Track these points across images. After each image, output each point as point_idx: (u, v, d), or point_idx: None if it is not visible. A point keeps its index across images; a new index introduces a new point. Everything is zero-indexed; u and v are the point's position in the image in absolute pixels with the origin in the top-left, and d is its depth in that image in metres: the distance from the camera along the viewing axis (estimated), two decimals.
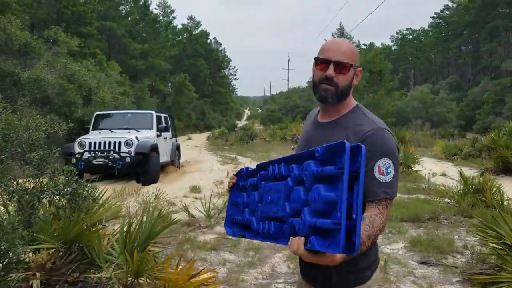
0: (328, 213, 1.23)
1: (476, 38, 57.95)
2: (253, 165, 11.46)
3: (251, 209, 1.72)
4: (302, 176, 1.40)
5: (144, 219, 4.26)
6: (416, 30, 73.72)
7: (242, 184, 1.85)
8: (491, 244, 4.28)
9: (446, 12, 65.33)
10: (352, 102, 1.77)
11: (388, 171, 1.59)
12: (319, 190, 1.28)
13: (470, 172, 12.15)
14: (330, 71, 1.67)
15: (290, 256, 5.05)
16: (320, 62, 1.70)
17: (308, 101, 67.73)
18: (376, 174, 1.58)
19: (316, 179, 1.33)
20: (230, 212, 1.90)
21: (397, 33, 76.57)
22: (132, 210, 6.77)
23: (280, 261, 4.98)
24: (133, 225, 4.07)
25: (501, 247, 4.06)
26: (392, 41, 76.52)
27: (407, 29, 75.59)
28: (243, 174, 1.87)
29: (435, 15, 67.84)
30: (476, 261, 4.61)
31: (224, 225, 1.93)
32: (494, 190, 7.50)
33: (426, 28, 71.46)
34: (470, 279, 4.22)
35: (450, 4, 65.04)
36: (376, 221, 1.55)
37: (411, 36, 73.96)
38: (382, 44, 70.11)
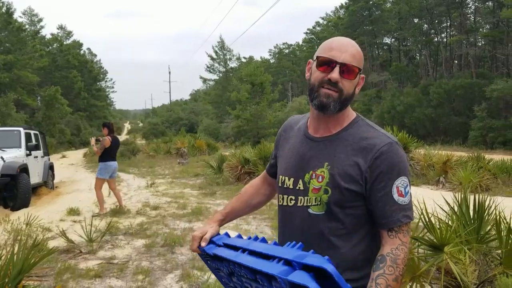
0: None
1: None
2: (137, 182, 10.87)
3: None
4: None
5: (16, 250, 3.76)
6: (291, 45, 77.83)
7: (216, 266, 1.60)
8: None
9: (318, 28, 70.08)
10: (352, 112, 1.54)
11: (407, 190, 1.41)
12: None
13: None
14: (335, 73, 1.41)
15: (183, 276, 4.82)
16: (324, 63, 1.45)
17: (191, 113, 67.59)
18: (395, 196, 1.40)
19: None
20: (224, 280, 1.61)
21: (275, 47, 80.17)
22: (1, 240, 5.99)
23: (173, 282, 4.73)
24: (2, 258, 3.57)
25: None
26: (270, 55, 79.90)
27: (283, 44, 79.50)
28: (211, 254, 1.56)
29: (308, 31, 72.32)
30: None
31: None
32: None
33: (300, 43, 75.80)
34: None
35: (321, 21, 69.99)
36: (399, 256, 1.38)
37: (287, 50, 77.87)
38: (261, 57, 72.85)
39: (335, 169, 1.45)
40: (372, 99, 47.36)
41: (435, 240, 3.93)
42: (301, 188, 1.51)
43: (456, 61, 47.40)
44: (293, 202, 1.53)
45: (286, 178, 1.57)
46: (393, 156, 1.42)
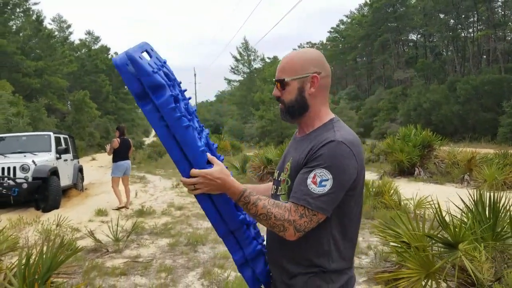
0: None
1: (369, 51, 62.36)
2: (163, 183, 11.39)
3: None
4: None
5: (45, 249, 3.98)
6: (315, 44, 77.45)
7: None
8: (391, 243, 4.55)
9: (342, 26, 69.56)
10: (326, 115, 1.70)
11: (323, 184, 1.48)
12: None
13: (371, 176, 12.94)
14: (274, 91, 1.70)
15: (204, 274, 4.99)
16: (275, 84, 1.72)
17: (216, 114, 68.15)
18: (309, 180, 1.50)
19: None
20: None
21: (299, 46, 79.86)
22: (32, 240, 6.29)
23: (194, 279, 4.90)
24: (33, 257, 3.79)
25: (400, 245, 4.33)
26: None
27: (307, 43, 79.06)
28: None
29: (331, 30, 71.88)
30: (379, 260, 4.90)
31: None
32: (392, 192, 8.05)
33: (324, 41, 75.40)
34: (374, 278, 4.46)
35: (345, 19, 69.46)
36: (279, 208, 1.52)
37: None
38: None
39: (293, 162, 1.64)
40: (398, 96, 46.75)
41: (449, 237, 3.97)
42: (279, 179, 1.74)
43: (484, 56, 46.34)
44: (274, 191, 1.77)
45: (276, 171, 1.82)
46: (329, 149, 1.52)
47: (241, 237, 1.72)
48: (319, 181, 1.49)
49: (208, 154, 1.63)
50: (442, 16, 47.27)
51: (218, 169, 1.59)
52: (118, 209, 9.38)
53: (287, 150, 1.79)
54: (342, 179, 1.50)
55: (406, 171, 13.15)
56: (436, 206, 4.28)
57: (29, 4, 39.29)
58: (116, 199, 9.79)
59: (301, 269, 1.62)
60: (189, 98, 1.90)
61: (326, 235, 1.59)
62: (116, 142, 9.55)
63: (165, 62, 1.78)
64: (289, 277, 1.64)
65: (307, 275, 1.60)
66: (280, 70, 1.68)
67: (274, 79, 1.71)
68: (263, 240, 1.94)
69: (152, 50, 1.74)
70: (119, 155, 9.65)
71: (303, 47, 76.91)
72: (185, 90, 1.86)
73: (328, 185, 1.48)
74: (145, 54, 1.64)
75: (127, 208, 9.51)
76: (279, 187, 1.71)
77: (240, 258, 1.74)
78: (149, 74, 1.50)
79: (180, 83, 1.83)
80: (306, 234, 1.55)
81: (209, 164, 1.62)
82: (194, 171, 1.58)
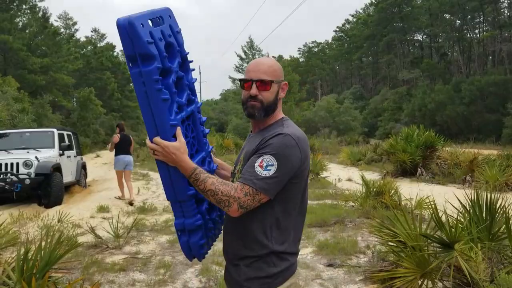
0: None
1: (375, 50, 62.24)
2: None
3: None
4: None
5: (43, 244, 4.03)
6: (321, 43, 77.40)
7: None
8: (389, 243, 4.58)
9: (347, 26, 69.43)
10: (279, 115, 1.92)
11: (268, 168, 1.69)
12: None
13: (373, 176, 12.96)
14: (253, 90, 1.83)
15: (202, 270, 5.03)
16: (245, 83, 1.86)
17: (221, 113, 68.19)
18: (256, 164, 1.70)
19: None
20: None
21: (304, 45, 79.83)
22: (33, 235, 6.35)
23: (192, 276, 4.94)
24: (31, 251, 3.84)
25: (396, 245, 4.35)
26: (299, 53, 79.59)
27: (312, 42, 78.99)
28: None
29: (337, 29, 71.76)
30: (377, 260, 4.93)
31: None
32: (392, 192, 8.07)
33: (330, 41, 75.29)
34: (371, 277, 4.48)
35: (350, 19, 69.33)
36: (226, 186, 1.69)
37: (316, 49, 77.43)
38: (290, 56, 72.57)
39: (246, 154, 1.85)
40: (403, 96, 46.67)
41: (445, 237, 3.97)
42: (234, 172, 1.96)
43: (490, 57, 46.15)
44: (231, 181, 1.92)
45: (233, 166, 2.04)
46: (277, 140, 1.74)
47: (187, 208, 1.84)
48: (265, 166, 1.69)
49: (178, 129, 1.75)
50: (447, 16, 47.14)
51: (177, 145, 1.72)
52: (119, 198, 10.32)
53: (243, 146, 2.00)
54: (286, 166, 1.71)
55: (408, 172, 13.14)
56: (434, 206, 4.28)
57: (35, 1, 39.46)
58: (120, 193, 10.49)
59: (248, 252, 1.80)
60: (193, 70, 2.02)
61: (271, 217, 1.78)
62: (116, 137, 10.15)
63: (178, 32, 1.89)
64: (237, 258, 1.84)
65: (253, 258, 1.79)
66: (263, 72, 1.84)
67: (255, 79, 1.83)
68: (216, 223, 2.07)
69: (170, 17, 1.86)
70: (120, 149, 10.30)
71: (309, 46, 77.19)
72: (191, 62, 1.98)
73: (273, 170, 1.69)
74: (161, 21, 1.77)
75: (131, 204, 9.69)
76: (235, 179, 1.91)
77: (179, 224, 1.89)
78: (142, 42, 1.58)
79: (188, 54, 1.94)
80: (254, 216, 1.77)
81: (175, 138, 1.74)
82: (155, 139, 1.73)
